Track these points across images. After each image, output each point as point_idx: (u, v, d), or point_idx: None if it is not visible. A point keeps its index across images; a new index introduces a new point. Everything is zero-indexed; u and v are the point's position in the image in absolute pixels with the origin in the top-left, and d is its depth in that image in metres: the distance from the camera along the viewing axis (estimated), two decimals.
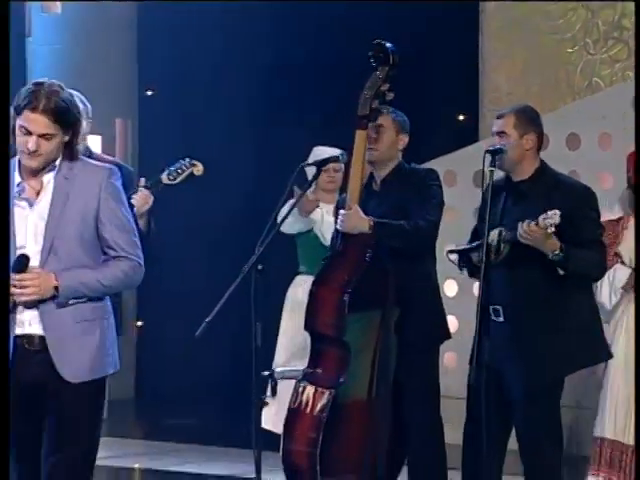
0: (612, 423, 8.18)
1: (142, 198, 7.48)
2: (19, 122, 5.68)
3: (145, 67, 12.04)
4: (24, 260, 5.64)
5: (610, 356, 7.36)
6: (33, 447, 5.82)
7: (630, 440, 8.07)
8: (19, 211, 5.73)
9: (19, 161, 5.76)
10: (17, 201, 5.73)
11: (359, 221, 7.13)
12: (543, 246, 6.74)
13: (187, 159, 7.65)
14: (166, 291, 11.27)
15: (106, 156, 8.20)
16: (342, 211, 7.22)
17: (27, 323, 5.73)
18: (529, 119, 7.10)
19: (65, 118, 5.72)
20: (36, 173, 5.75)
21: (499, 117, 7.13)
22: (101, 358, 5.83)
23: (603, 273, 7.18)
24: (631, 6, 10.81)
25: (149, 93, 12.11)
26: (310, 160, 7.97)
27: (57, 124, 5.69)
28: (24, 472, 5.85)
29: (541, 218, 6.63)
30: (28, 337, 5.73)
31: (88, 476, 5.85)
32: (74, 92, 7.77)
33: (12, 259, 5.67)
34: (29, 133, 5.66)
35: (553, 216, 6.59)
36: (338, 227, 7.24)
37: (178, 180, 7.62)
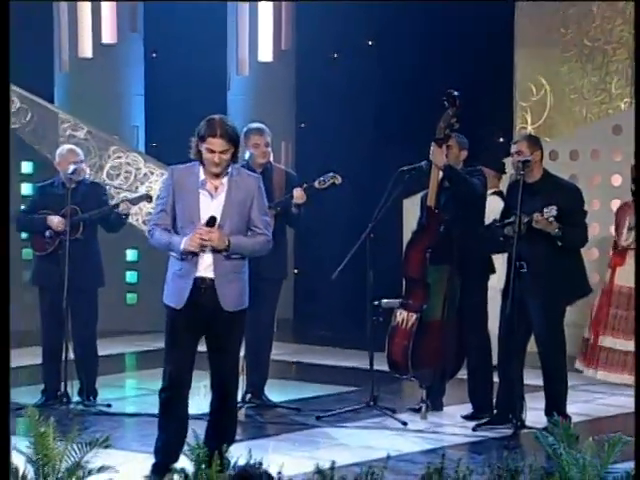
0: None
1: (300, 195, 7.49)
2: (205, 145, 5.64)
3: (300, 107, 12.03)
4: (212, 220, 5.62)
5: (590, 290, 7.30)
6: (190, 346, 5.73)
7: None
8: (203, 198, 5.70)
9: (202, 165, 5.72)
10: (201, 191, 5.70)
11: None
12: (547, 229, 6.78)
13: (332, 172, 7.59)
14: (313, 248, 11.30)
15: (279, 166, 8.24)
16: None
17: (202, 269, 5.67)
18: (535, 142, 7.09)
19: (232, 138, 5.67)
20: (216, 175, 5.72)
21: (516, 142, 7.19)
22: (243, 297, 5.78)
23: (586, 243, 7.14)
24: (614, 66, 10.70)
25: (302, 125, 12.08)
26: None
27: (229, 143, 5.65)
28: (178, 362, 5.75)
29: (545, 211, 6.71)
30: (202, 278, 5.68)
31: (238, 374, 5.90)
32: (259, 124, 7.84)
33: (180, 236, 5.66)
34: (213, 152, 5.66)
35: (552, 210, 6.70)
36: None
37: (325, 186, 7.57)
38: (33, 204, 7.95)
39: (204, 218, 5.65)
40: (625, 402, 7.61)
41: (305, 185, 7.51)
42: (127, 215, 7.80)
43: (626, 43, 10.60)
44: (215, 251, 5.65)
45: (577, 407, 7.46)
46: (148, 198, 8.19)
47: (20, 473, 4.93)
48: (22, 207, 8.50)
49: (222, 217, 5.67)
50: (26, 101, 11.02)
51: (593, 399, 8.02)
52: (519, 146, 7.05)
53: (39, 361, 7.81)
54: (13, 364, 8.92)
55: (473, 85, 9.85)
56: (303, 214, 7.57)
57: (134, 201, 7.96)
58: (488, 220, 7.30)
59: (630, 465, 4.96)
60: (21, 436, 5.64)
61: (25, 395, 7.72)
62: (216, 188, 5.72)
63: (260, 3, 11.85)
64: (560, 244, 6.86)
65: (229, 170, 5.73)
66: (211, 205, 5.70)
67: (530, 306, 6.92)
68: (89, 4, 11.52)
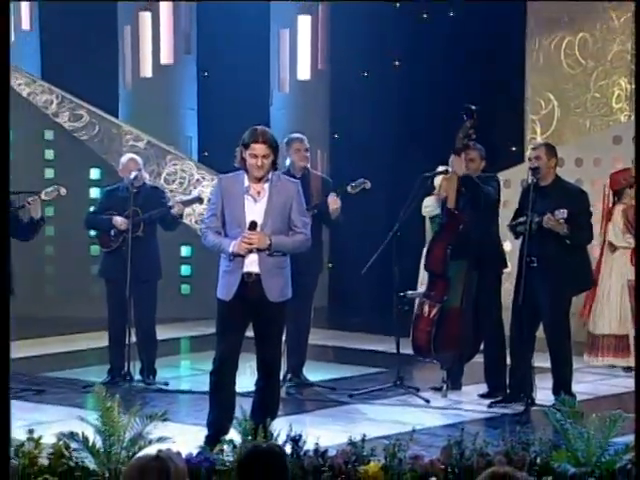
0: (607, 322, 8.15)
1: (333, 200, 7.45)
2: (249, 151, 5.64)
3: (334, 120, 11.97)
4: (253, 224, 5.63)
5: (594, 284, 7.25)
6: (238, 333, 5.76)
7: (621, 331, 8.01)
8: (247, 202, 5.71)
9: (246, 172, 5.71)
10: (246, 196, 5.71)
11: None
12: (557, 229, 6.73)
13: (362, 179, 7.58)
14: (345, 246, 11.24)
15: (316, 172, 8.22)
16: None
17: (248, 265, 5.68)
18: (552, 151, 7.01)
19: (272, 144, 5.68)
20: (258, 180, 5.71)
21: (535, 148, 7.09)
22: (285, 289, 5.78)
23: (590, 241, 7.09)
24: (614, 84, 10.62)
25: (335, 136, 12.04)
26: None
27: (270, 149, 5.66)
28: (227, 347, 5.76)
29: (556, 213, 6.67)
30: (248, 273, 5.69)
31: (280, 356, 5.93)
32: (299, 134, 7.81)
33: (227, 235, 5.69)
34: (256, 156, 5.64)
35: (563, 213, 6.65)
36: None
37: (356, 191, 7.56)
38: (100, 206, 7.99)
39: (249, 220, 5.67)
40: (625, 383, 7.55)
41: (338, 189, 7.50)
42: (181, 216, 7.82)
43: (624, 63, 10.54)
44: (259, 250, 5.66)
45: (582, 387, 7.40)
46: (200, 200, 8.21)
47: (90, 442, 4.97)
48: (91, 209, 8.54)
49: (264, 218, 5.68)
50: (94, 116, 11.07)
51: (596, 380, 7.96)
52: (538, 152, 6.99)
53: (106, 344, 7.84)
54: (83, 347, 9.10)
55: (489, 100, 9.82)
56: (340, 214, 7.55)
57: (187, 203, 7.98)
58: None
59: (629, 439, 4.93)
60: (90, 410, 5.68)
61: (93, 374, 7.77)
62: (259, 193, 5.72)
63: (299, 29, 11.88)
64: (568, 242, 6.81)
65: (270, 176, 5.73)
66: (255, 208, 5.70)
67: (539, 297, 6.87)
68: (149, 30, 11.59)
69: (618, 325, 8.17)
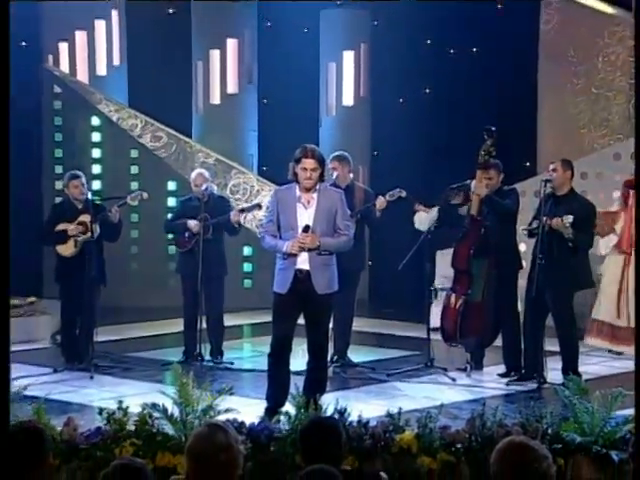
0: (605, 310, 8.04)
1: (382, 202, 7.41)
2: (300, 165, 5.63)
3: (374, 140, 11.96)
4: (307, 228, 5.64)
5: (593, 284, 7.17)
6: (291, 320, 5.74)
7: (617, 322, 7.89)
8: (299, 209, 5.70)
9: (298, 184, 5.69)
10: (297, 203, 5.70)
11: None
12: (563, 230, 6.65)
13: (398, 188, 7.55)
14: (384, 246, 11.19)
15: (359, 184, 8.19)
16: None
17: (300, 263, 5.68)
18: (568, 164, 6.95)
19: (320, 159, 5.67)
20: (308, 190, 5.70)
21: (553, 162, 7.05)
22: (332, 283, 5.75)
23: (591, 246, 7.00)
24: (614, 108, 10.48)
25: (375, 153, 12.01)
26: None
27: (318, 163, 5.64)
28: (282, 332, 5.73)
29: (564, 217, 6.61)
30: (300, 270, 5.68)
31: (328, 341, 5.89)
32: (343, 153, 7.77)
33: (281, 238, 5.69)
34: (306, 169, 5.64)
35: (569, 218, 6.59)
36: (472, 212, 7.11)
37: (393, 199, 7.50)
38: (176, 213, 8.04)
39: (300, 224, 5.68)
40: (625, 364, 7.45)
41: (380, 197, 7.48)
42: (238, 223, 7.80)
43: (623, 90, 10.43)
44: (310, 249, 5.67)
45: (587, 368, 7.31)
46: (259, 207, 8.23)
47: (169, 412, 5.01)
48: (168, 215, 8.61)
49: (314, 223, 5.69)
50: (172, 137, 11.17)
51: (600, 362, 7.86)
52: (555, 165, 6.96)
53: (181, 329, 7.89)
54: (162, 331, 9.17)
55: (508, 123, 9.73)
56: (380, 218, 7.51)
57: (247, 210, 8.01)
58: None
59: (629, 412, 4.88)
60: (169, 385, 5.72)
61: (171, 355, 7.80)
62: (309, 201, 5.73)
63: (344, 62, 11.89)
64: (570, 245, 6.74)
65: (318, 187, 5.72)
66: (305, 214, 5.71)
67: (547, 291, 6.79)
68: (218, 64, 11.69)
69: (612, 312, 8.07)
